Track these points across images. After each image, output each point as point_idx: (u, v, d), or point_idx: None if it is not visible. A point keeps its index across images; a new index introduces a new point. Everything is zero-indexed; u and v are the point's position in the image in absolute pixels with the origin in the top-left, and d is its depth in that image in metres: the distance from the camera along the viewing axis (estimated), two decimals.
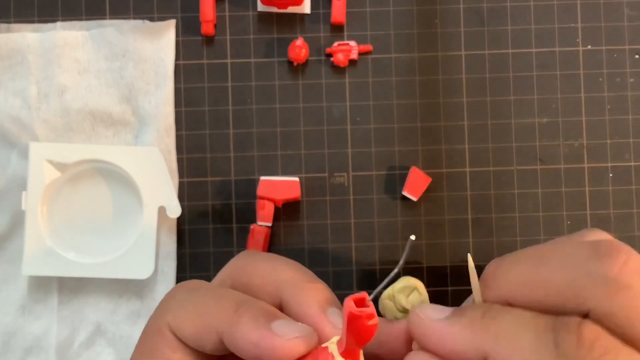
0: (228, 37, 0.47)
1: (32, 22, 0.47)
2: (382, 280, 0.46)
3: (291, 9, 0.46)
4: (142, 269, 0.44)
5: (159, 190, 0.44)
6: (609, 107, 0.47)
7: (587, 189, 0.46)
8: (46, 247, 0.44)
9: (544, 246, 0.28)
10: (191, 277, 0.46)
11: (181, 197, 0.46)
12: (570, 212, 0.46)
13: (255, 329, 0.26)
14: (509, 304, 0.28)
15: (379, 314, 0.42)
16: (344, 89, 0.47)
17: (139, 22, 0.46)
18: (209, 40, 0.47)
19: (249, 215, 0.46)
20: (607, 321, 0.25)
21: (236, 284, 0.31)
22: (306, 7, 0.46)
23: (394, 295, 0.44)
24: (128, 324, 0.45)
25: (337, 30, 0.47)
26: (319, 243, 0.46)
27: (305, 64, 0.47)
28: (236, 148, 0.46)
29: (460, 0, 0.47)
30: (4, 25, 0.46)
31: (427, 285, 0.45)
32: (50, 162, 0.44)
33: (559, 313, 0.26)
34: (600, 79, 0.47)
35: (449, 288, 0.46)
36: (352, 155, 0.46)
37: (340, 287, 0.46)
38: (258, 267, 0.31)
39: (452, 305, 0.43)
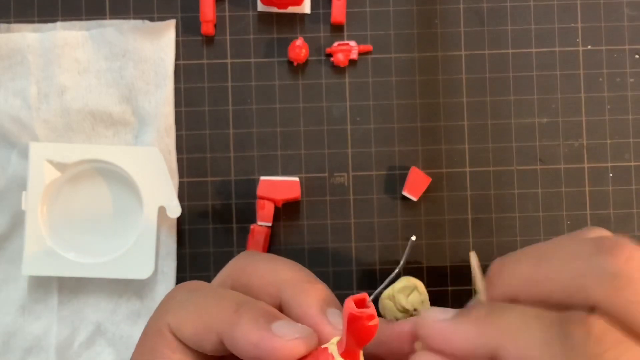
0: (228, 37, 0.47)
1: (32, 22, 0.47)
2: (382, 280, 0.46)
3: (291, 9, 0.46)
4: (142, 269, 0.44)
5: (159, 190, 0.44)
6: (609, 107, 0.47)
7: (587, 189, 0.46)
8: (46, 247, 0.44)
9: (547, 244, 0.28)
10: (191, 277, 0.46)
11: (181, 197, 0.46)
12: (570, 212, 0.46)
13: (255, 329, 0.26)
14: (514, 302, 0.28)
15: (379, 314, 0.42)
16: (344, 89, 0.47)
17: (139, 22, 0.46)
18: (209, 40, 0.47)
19: (249, 215, 0.46)
20: (612, 315, 0.25)
21: (236, 284, 0.31)
22: (306, 7, 0.46)
23: (394, 295, 0.44)
24: (128, 324, 0.45)
25: (337, 30, 0.47)
26: (319, 243, 0.46)
27: (305, 64, 0.47)
28: (236, 148, 0.46)
29: (460, 0, 0.47)
30: (4, 25, 0.46)
31: (427, 285, 0.45)
32: (50, 162, 0.44)
33: (564, 309, 0.26)
34: (600, 79, 0.47)
35: (449, 288, 0.46)
36: (352, 155, 0.46)
37: (340, 287, 0.46)
38: (258, 268, 0.31)
39: (452, 306, 0.43)
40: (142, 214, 0.44)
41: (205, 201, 0.46)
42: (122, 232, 0.45)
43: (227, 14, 0.47)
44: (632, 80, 0.47)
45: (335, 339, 0.27)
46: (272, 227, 0.46)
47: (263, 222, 0.45)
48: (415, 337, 0.29)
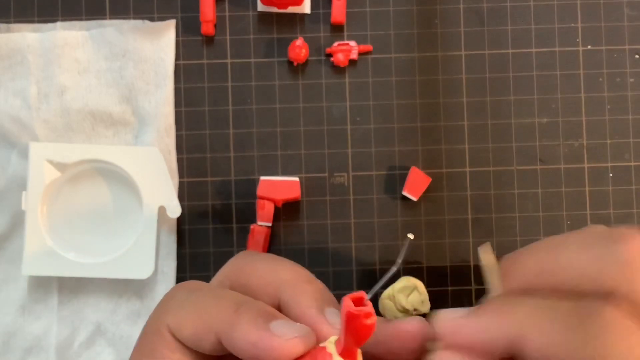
0: (228, 37, 0.47)
1: (32, 22, 0.47)
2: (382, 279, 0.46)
3: (291, 9, 0.46)
4: (142, 269, 0.44)
5: (159, 190, 0.44)
6: (609, 107, 0.47)
7: (587, 189, 0.46)
8: (46, 247, 0.44)
9: (559, 237, 0.29)
10: (191, 277, 0.46)
11: (181, 197, 0.46)
12: (570, 212, 0.46)
13: (254, 329, 0.26)
14: (528, 294, 0.28)
15: (379, 314, 0.42)
16: (344, 89, 0.47)
17: (139, 22, 0.46)
18: (209, 40, 0.47)
19: (249, 215, 0.46)
20: (628, 300, 0.26)
21: (235, 284, 0.31)
22: (306, 7, 0.46)
23: (394, 295, 0.44)
24: (128, 324, 0.45)
25: (337, 30, 0.47)
26: (319, 243, 0.46)
27: (305, 64, 0.47)
28: (236, 148, 0.46)
29: (460, 0, 0.47)
30: (4, 25, 0.46)
31: (427, 285, 0.45)
32: (50, 162, 0.44)
33: (579, 298, 0.26)
34: (600, 79, 0.47)
35: (449, 288, 0.46)
36: (352, 155, 0.46)
37: (340, 287, 0.46)
38: (256, 268, 0.31)
39: (452, 306, 0.43)
40: (142, 214, 0.44)
41: (205, 201, 0.46)
42: (122, 232, 0.45)
43: (227, 14, 0.47)
44: (632, 80, 0.47)
45: (333, 338, 0.27)
46: (272, 227, 0.46)
47: (263, 222, 0.45)
48: (412, 336, 0.29)
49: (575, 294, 0.27)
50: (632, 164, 0.47)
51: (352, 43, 0.46)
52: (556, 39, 0.47)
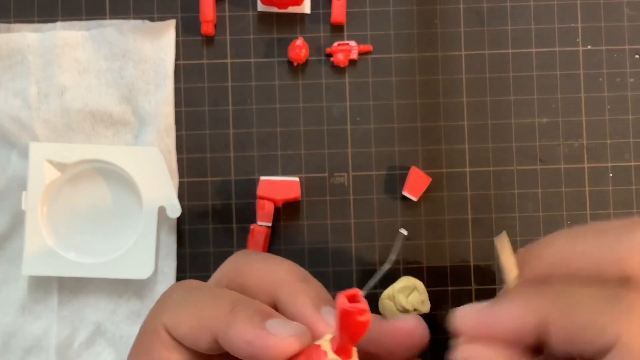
0: (228, 37, 0.47)
1: (32, 22, 0.47)
2: (383, 280, 0.46)
3: (291, 9, 0.46)
4: (142, 269, 0.44)
5: (159, 190, 0.44)
6: (609, 107, 0.47)
7: (587, 189, 0.46)
8: (46, 247, 0.44)
9: (576, 227, 0.30)
10: (191, 277, 0.46)
11: (181, 197, 0.46)
12: (570, 212, 0.46)
13: (249, 328, 0.27)
14: (547, 281, 0.28)
15: (378, 313, 0.42)
16: (344, 89, 0.47)
17: (139, 22, 0.46)
18: (209, 40, 0.47)
19: (249, 215, 0.46)
20: None
21: (232, 284, 0.31)
22: (306, 7, 0.46)
23: (394, 295, 0.44)
24: (128, 324, 0.45)
25: (337, 30, 0.47)
26: (319, 243, 0.46)
27: (305, 64, 0.47)
28: (236, 148, 0.46)
29: (460, 0, 0.47)
30: (4, 25, 0.46)
31: (427, 285, 0.45)
32: (50, 162, 0.44)
33: (598, 283, 0.27)
34: (600, 79, 0.47)
35: (449, 288, 0.46)
36: (352, 155, 0.46)
37: (340, 287, 0.46)
38: (253, 267, 0.31)
39: (452, 306, 0.43)
40: (142, 214, 0.44)
41: (205, 201, 0.46)
42: (122, 232, 0.45)
43: (227, 14, 0.47)
44: (632, 80, 0.47)
45: (328, 336, 0.27)
46: (272, 227, 0.46)
47: (263, 222, 0.45)
48: (408, 333, 0.29)
49: (594, 280, 0.27)
50: (632, 164, 0.47)
51: (352, 43, 0.46)
52: (556, 39, 0.47)
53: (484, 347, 0.28)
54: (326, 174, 0.46)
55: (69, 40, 0.45)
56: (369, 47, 0.46)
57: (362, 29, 0.47)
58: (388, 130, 0.46)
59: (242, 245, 0.46)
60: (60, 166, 0.44)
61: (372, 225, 0.46)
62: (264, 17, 0.47)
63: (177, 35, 0.47)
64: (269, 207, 0.45)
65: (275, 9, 0.46)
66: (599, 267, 0.27)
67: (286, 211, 0.46)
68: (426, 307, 0.44)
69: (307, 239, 0.46)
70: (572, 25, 0.47)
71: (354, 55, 0.46)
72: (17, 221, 0.45)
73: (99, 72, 0.46)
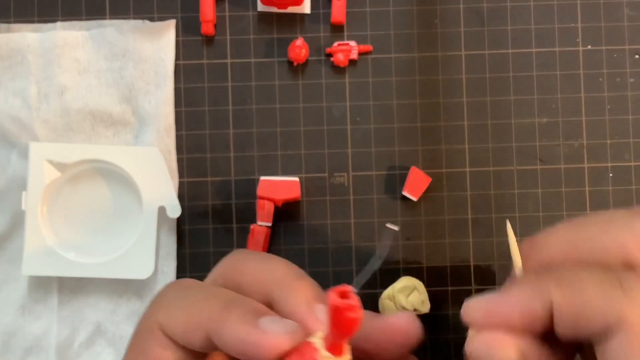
0: (228, 37, 0.47)
1: (32, 22, 0.47)
2: (383, 280, 0.46)
3: (291, 9, 0.46)
4: (142, 269, 0.44)
5: (159, 190, 0.44)
6: (609, 107, 0.47)
7: (587, 189, 0.46)
8: (46, 247, 0.44)
9: (581, 217, 0.30)
10: (191, 277, 0.45)
11: (181, 197, 0.46)
12: (570, 212, 0.46)
13: (242, 325, 0.27)
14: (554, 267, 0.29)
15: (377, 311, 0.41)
16: (344, 89, 0.47)
17: (139, 22, 0.46)
18: (209, 40, 0.47)
19: (249, 215, 0.46)
20: None
21: (227, 283, 0.31)
22: (306, 7, 0.47)
23: (394, 295, 0.44)
24: (128, 324, 0.45)
25: (337, 30, 0.47)
26: (319, 243, 0.46)
27: (305, 64, 0.47)
28: (236, 148, 0.46)
29: (460, 0, 0.47)
30: (4, 25, 0.46)
31: (427, 285, 0.45)
32: (50, 162, 0.44)
33: (604, 268, 0.28)
34: (600, 79, 0.47)
35: (449, 288, 0.46)
36: (352, 155, 0.46)
37: None
38: (248, 266, 0.31)
39: (452, 306, 0.43)
40: (142, 214, 0.44)
41: (205, 201, 0.46)
42: (122, 232, 0.45)
43: (227, 14, 0.47)
44: (632, 80, 0.47)
45: (320, 333, 0.27)
46: (272, 227, 0.46)
47: (263, 222, 0.45)
48: (400, 330, 0.29)
49: (598, 266, 0.28)
50: (632, 164, 0.47)
51: (352, 43, 0.46)
52: (556, 39, 0.47)
53: (494, 336, 0.28)
54: (326, 174, 0.46)
55: (69, 40, 0.45)
56: (369, 47, 0.46)
57: (362, 29, 0.47)
58: (388, 130, 0.46)
59: (242, 245, 0.46)
60: (60, 166, 0.44)
61: (372, 225, 0.46)
62: (264, 17, 0.47)
63: (177, 35, 0.47)
64: (269, 207, 0.45)
65: (275, 9, 0.46)
66: (602, 254, 0.28)
67: (286, 211, 0.46)
68: (426, 307, 0.44)
69: (307, 239, 0.46)
70: (572, 25, 0.47)
71: (354, 55, 0.46)
72: (17, 221, 0.45)
73: (99, 72, 0.46)
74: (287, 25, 0.47)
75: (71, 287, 0.46)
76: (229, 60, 0.47)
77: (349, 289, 0.25)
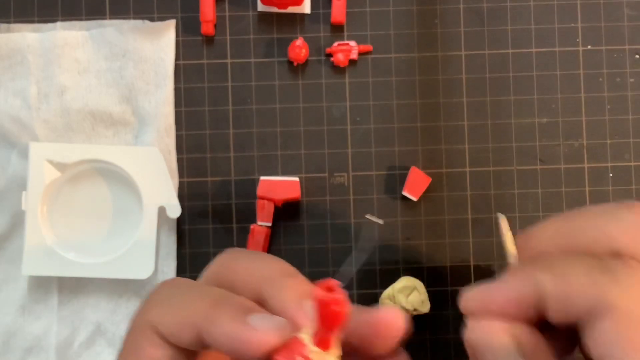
0: (228, 37, 0.47)
1: (32, 22, 0.47)
2: (383, 280, 0.46)
3: (291, 9, 0.46)
4: (142, 269, 0.44)
5: (159, 190, 0.44)
6: (609, 107, 0.47)
7: (587, 189, 0.46)
8: (46, 247, 0.44)
9: (571, 211, 0.32)
10: (191, 277, 0.45)
11: (181, 197, 0.46)
12: None
13: (231, 322, 0.27)
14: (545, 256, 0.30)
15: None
16: (344, 89, 0.47)
17: (139, 22, 0.46)
18: (209, 40, 0.47)
19: (249, 215, 0.46)
20: (635, 261, 0.28)
21: (220, 282, 0.31)
22: (306, 7, 0.47)
23: (394, 295, 0.44)
24: (128, 324, 0.45)
25: (337, 30, 0.47)
26: (319, 243, 0.46)
27: (305, 64, 0.47)
28: (236, 148, 0.46)
29: (460, 0, 0.47)
30: (4, 25, 0.46)
31: (427, 285, 0.45)
32: (50, 162, 0.44)
33: (593, 256, 0.29)
34: (600, 79, 0.47)
35: (449, 288, 0.46)
36: (352, 155, 0.46)
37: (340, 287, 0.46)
38: (239, 265, 0.31)
39: (452, 306, 0.43)
40: (142, 214, 0.44)
41: (205, 201, 0.46)
42: (122, 232, 0.45)
43: (227, 14, 0.47)
44: (632, 80, 0.47)
45: (308, 329, 0.27)
46: (272, 227, 0.46)
47: (263, 222, 0.45)
48: (386, 324, 0.29)
49: (588, 255, 0.29)
50: (632, 164, 0.47)
51: (352, 43, 0.46)
52: (556, 39, 0.47)
53: (489, 323, 0.29)
54: (326, 174, 0.46)
55: (69, 40, 0.45)
56: (369, 47, 0.46)
57: (362, 29, 0.47)
58: (388, 130, 0.46)
59: (242, 245, 0.46)
60: (60, 166, 0.44)
61: (373, 225, 0.46)
62: (264, 17, 0.47)
63: (177, 35, 0.47)
64: (269, 207, 0.45)
65: (275, 9, 0.46)
66: (591, 245, 0.29)
67: (286, 211, 0.46)
68: (426, 307, 0.44)
69: (307, 239, 0.46)
70: (572, 25, 0.47)
71: (354, 55, 0.46)
72: (17, 221, 0.45)
73: (99, 72, 0.46)
74: (287, 25, 0.47)
75: (71, 287, 0.46)
76: (229, 60, 0.47)
77: (335, 283, 0.25)
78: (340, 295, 0.25)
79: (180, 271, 0.46)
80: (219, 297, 0.28)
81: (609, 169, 0.47)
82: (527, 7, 0.47)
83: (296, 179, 0.45)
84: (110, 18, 0.47)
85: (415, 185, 0.45)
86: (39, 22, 0.47)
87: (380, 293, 0.44)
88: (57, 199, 0.45)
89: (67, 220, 0.45)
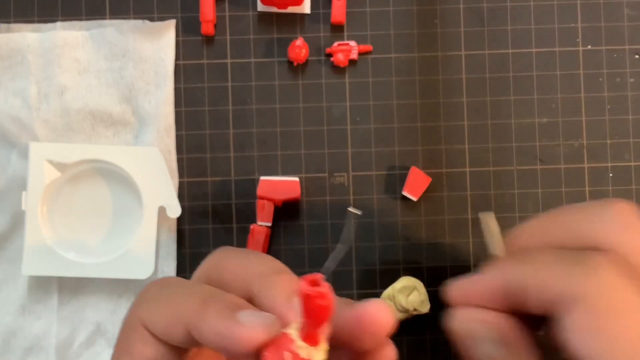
0: (228, 37, 0.47)
1: (32, 22, 0.47)
2: (383, 280, 0.46)
3: (291, 9, 0.46)
4: (142, 269, 0.44)
5: (159, 190, 0.44)
6: (609, 107, 0.47)
7: (587, 189, 0.46)
8: (46, 247, 0.44)
9: (556, 208, 0.33)
10: (191, 277, 0.46)
11: (181, 197, 0.46)
12: None
13: (220, 319, 0.27)
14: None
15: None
16: (344, 89, 0.47)
17: (139, 22, 0.46)
18: (209, 40, 0.47)
19: (249, 215, 0.46)
20: (614, 253, 0.30)
21: (211, 280, 0.31)
22: (306, 7, 0.47)
23: (394, 295, 0.44)
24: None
25: (337, 30, 0.47)
26: (319, 243, 0.46)
27: (305, 64, 0.47)
28: (236, 148, 0.46)
29: (460, 0, 0.47)
30: (4, 25, 0.46)
31: (427, 285, 0.45)
32: (50, 162, 0.44)
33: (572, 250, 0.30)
34: (600, 79, 0.47)
35: None
36: (352, 155, 0.46)
37: (340, 287, 0.46)
38: (230, 263, 0.31)
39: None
40: (142, 214, 0.44)
41: (205, 201, 0.46)
42: (122, 232, 0.45)
43: (227, 14, 0.47)
44: (632, 80, 0.47)
45: (296, 324, 0.27)
46: (272, 227, 0.46)
47: (263, 222, 0.45)
48: (371, 317, 0.29)
49: (565, 248, 0.31)
50: (632, 164, 0.47)
51: (352, 43, 0.46)
52: (556, 39, 0.47)
53: (469, 311, 0.31)
54: (326, 174, 0.46)
55: (69, 40, 0.45)
56: (369, 47, 0.46)
57: (362, 29, 0.47)
58: (388, 130, 0.46)
59: (242, 245, 0.46)
60: (60, 166, 0.44)
61: (372, 225, 0.46)
62: (264, 17, 0.47)
63: (177, 35, 0.47)
64: (269, 207, 0.45)
65: (275, 9, 0.46)
66: (574, 238, 0.31)
67: (286, 211, 0.46)
68: (426, 307, 0.44)
69: (307, 239, 0.46)
70: (572, 25, 0.47)
71: (354, 55, 0.46)
72: (17, 221, 0.45)
73: (99, 72, 0.46)
74: (287, 25, 0.47)
75: (71, 287, 0.46)
76: (229, 60, 0.47)
77: (320, 277, 0.25)
78: (325, 288, 0.25)
79: (180, 271, 0.46)
80: (208, 295, 0.29)
81: (609, 169, 0.47)
82: (527, 7, 0.47)
83: (296, 179, 0.45)
84: (110, 18, 0.47)
85: (415, 185, 0.45)
86: (39, 22, 0.47)
87: (380, 293, 0.44)
88: (57, 199, 0.45)
89: (67, 220, 0.45)
